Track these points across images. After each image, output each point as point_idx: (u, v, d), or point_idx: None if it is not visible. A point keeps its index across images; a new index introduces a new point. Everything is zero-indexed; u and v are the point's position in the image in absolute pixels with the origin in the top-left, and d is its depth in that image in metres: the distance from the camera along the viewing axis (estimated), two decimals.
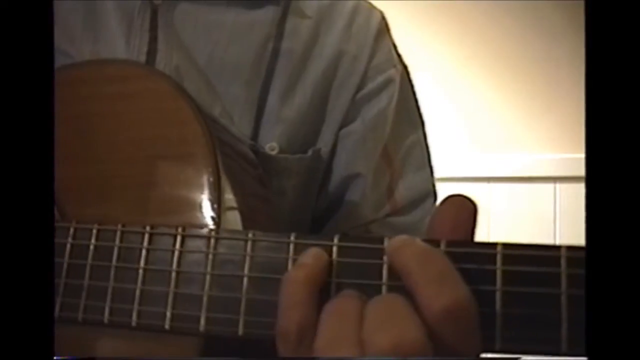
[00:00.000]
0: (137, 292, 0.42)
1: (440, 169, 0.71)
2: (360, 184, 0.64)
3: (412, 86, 0.70)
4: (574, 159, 1.61)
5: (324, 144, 0.64)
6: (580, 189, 1.58)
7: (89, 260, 0.44)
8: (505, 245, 0.35)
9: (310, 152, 0.62)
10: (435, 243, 0.36)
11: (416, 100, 0.70)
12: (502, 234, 1.70)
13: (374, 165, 0.65)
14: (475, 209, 0.36)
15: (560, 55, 1.67)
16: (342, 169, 0.64)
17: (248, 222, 0.46)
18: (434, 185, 0.69)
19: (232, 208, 0.46)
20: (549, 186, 1.68)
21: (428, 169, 0.69)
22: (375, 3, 0.70)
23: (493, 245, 0.35)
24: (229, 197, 0.46)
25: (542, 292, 0.34)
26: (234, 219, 0.46)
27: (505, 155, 1.74)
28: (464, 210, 0.37)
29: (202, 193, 0.45)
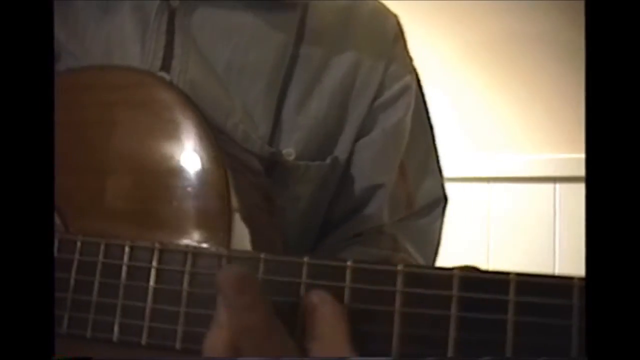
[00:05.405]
0: (147, 312, 0.41)
1: None
2: (382, 194, 0.64)
3: (422, 91, 0.70)
4: (574, 159, 1.61)
5: (341, 152, 0.63)
6: (580, 189, 1.58)
7: (97, 277, 0.43)
8: (518, 275, 0.34)
9: (329, 160, 0.62)
10: (448, 270, 0.35)
11: (426, 105, 0.70)
12: (502, 234, 1.70)
13: (394, 173, 0.65)
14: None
15: (560, 55, 1.67)
16: (363, 179, 0.64)
17: (257, 236, 0.45)
18: (444, 189, 0.69)
19: (240, 222, 0.45)
20: (549, 186, 1.68)
21: (439, 173, 0.69)
22: None
23: (506, 274, 0.34)
24: (237, 212, 0.44)
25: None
26: (242, 234, 0.44)
27: (505, 155, 1.74)
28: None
29: (210, 208, 0.43)
